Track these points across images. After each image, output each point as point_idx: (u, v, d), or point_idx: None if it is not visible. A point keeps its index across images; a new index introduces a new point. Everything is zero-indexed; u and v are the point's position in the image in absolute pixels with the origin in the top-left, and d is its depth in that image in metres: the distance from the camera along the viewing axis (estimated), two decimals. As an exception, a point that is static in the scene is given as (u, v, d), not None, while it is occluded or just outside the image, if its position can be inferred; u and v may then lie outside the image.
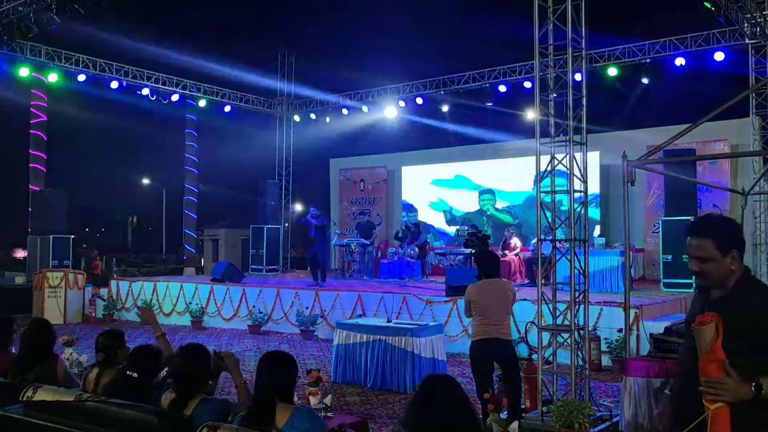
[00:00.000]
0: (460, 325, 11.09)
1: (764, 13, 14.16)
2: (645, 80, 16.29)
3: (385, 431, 6.70)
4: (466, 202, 20.08)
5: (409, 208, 21.11)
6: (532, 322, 7.74)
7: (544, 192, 7.63)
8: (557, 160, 7.65)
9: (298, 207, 29.07)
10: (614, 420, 6.78)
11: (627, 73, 16.44)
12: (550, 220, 7.78)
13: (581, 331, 7.22)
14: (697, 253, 2.81)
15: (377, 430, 6.70)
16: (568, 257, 7.48)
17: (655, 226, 16.11)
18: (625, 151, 6.60)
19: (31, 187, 21.30)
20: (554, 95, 7.81)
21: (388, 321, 9.50)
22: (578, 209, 7.54)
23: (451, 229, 20.12)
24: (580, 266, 7.52)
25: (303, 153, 23.17)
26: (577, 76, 8.34)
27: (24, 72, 16.41)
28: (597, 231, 16.59)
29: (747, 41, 14.50)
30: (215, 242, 28.01)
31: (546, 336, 7.33)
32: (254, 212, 20.99)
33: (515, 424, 4.80)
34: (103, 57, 17.73)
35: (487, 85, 18.43)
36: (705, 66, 15.46)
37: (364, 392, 8.39)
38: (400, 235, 17.30)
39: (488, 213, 19.59)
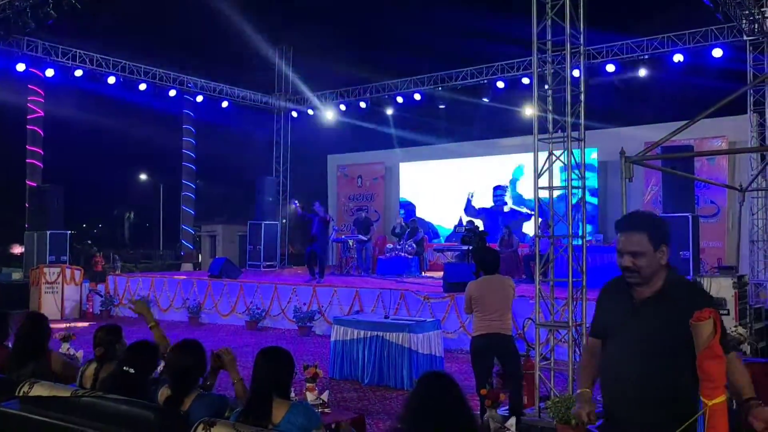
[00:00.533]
0: (458, 321, 11.09)
1: (762, 9, 14.13)
2: (643, 76, 16.27)
3: (382, 427, 6.70)
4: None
5: (407, 205, 21.09)
6: (530, 319, 7.73)
7: (542, 188, 7.62)
8: (555, 156, 7.63)
9: (295, 202, 29.04)
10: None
11: (625, 69, 16.42)
12: (548, 217, 7.78)
13: (579, 327, 7.22)
14: (631, 247, 2.77)
15: (374, 426, 6.70)
16: (566, 254, 7.47)
17: (652, 222, 16.12)
18: (623, 147, 6.58)
19: (28, 182, 21.27)
20: (551, 92, 7.80)
21: (386, 317, 9.50)
22: (576, 205, 7.53)
23: (449, 226, 20.12)
24: (578, 263, 7.51)
25: (301, 149, 23.15)
26: (575, 72, 8.32)
27: (20, 67, 16.34)
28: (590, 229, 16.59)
29: (745, 38, 14.48)
30: (213, 238, 28.03)
31: (543, 332, 7.33)
32: (252, 208, 20.97)
33: (512, 420, 4.79)
34: (100, 52, 17.67)
35: (485, 81, 18.41)
36: (703, 62, 15.46)
37: (361, 388, 8.39)
38: (397, 231, 17.29)
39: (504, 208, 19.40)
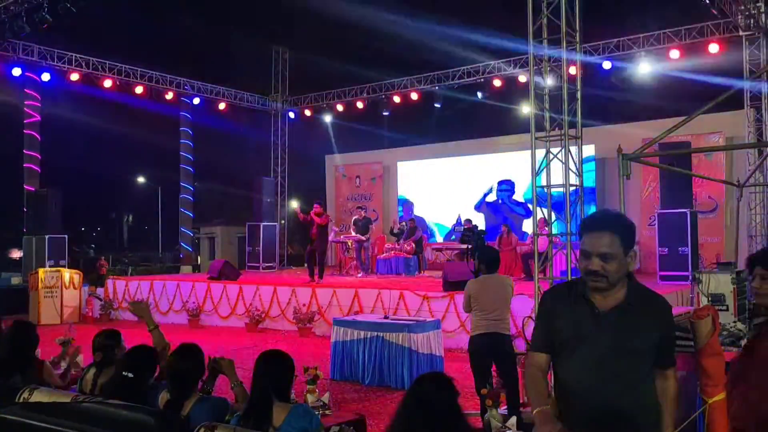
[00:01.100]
0: (458, 320, 11.08)
1: (758, 5, 14.17)
2: (639, 72, 16.28)
3: (383, 428, 6.70)
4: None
5: (405, 202, 21.10)
6: (529, 317, 7.73)
7: (540, 187, 7.63)
8: (552, 154, 7.65)
9: (294, 203, 29.06)
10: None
11: (622, 65, 16.44)
12: (546, 214, 7.79)
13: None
14: (602, 248, 2.49)
15: (375, 426, 6.70)
16: (565, 252, 7.48)
17: (651, 218, 16.15)
18: (620, 144, 6.60)
19: (25, 187, 21.23)
20: (548, 90, 7.81)
21: (386, 317, 9.50)
22: (574, 203, 7.55)
23: (448, 224, 20.14)
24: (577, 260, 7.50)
25: (298, 150, 23.15)
26: (572, 70, 8.34)
27: (16, 72, 16.33)
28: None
29: (741, 33, 14.51)
30: (211, 240, 28.03)
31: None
32: (250, 209, 20.96)
33: (513, 419, 4.80)
34: (95, 55, 17.66)
35: (482, 79, 18.42)
36: (699, 58, 15.47)
37: (362, 389, 8.38)
38: (395, 231, 17.29)
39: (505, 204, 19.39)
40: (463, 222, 16.78)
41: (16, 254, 31.10)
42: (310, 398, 5.27)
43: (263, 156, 22.94)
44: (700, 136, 15.65)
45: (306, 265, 15.61)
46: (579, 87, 7.60)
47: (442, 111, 20.61)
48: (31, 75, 17.28)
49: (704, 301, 7.83)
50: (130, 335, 5.08)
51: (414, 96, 19.86)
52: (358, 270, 16.90)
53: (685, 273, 12.91)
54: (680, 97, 16.36)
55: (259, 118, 22.96)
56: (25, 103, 20.88)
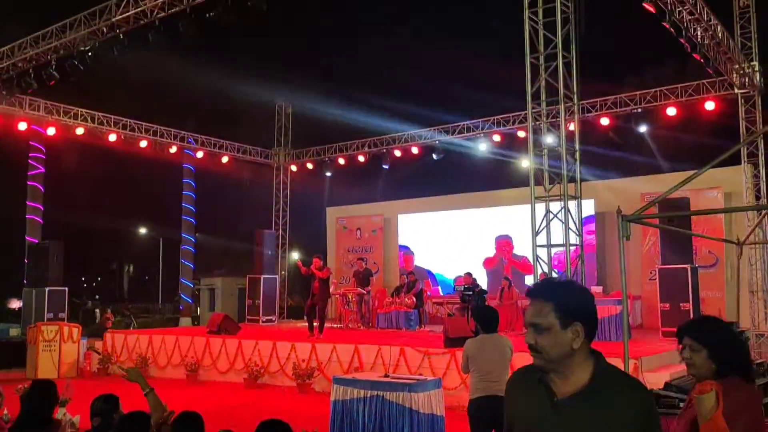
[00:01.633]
0: (459, 377, 10.97)
1: (752, 63, 14.45)
2: (637, 129, 16.51)
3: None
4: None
5: (406, 250, 21.09)
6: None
7: (540, 246, 7.65)
8: (552, 214, 7.70)
9: (295, 255, 29.06)
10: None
11: (620, 122, 16.68)
12: (547, 272, 7.79)
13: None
14: (532, 318, 2.25)
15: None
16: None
17: (651, 272, 16.11)
18: (619, 206, 6.64)
19: (27, 238, 21.29)
20: (547, 149, 7.92)
21: (386, 375, 9.40)
22: (576, 262, 7.56)
23: (449, 275, 20.08)
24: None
25: (300, 202, 23.30)
26: (571, 126, 8.43)
27: (22, 126, 16.56)
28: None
29: (736, 91, 14.75)
30: (212, 291, 27.89)
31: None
32: (251, 261, 20.97)
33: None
34: (101, 110, 17.93)
35: (482, 134, 18.66)
36: (696, 115, 15.70)
37: (362, 450, 8.25)
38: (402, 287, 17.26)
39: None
40: (464, 275, 16.76)
41: (16, 304, 30.97)
42: (309, 464, 5.20)
43: (265, 208, 23.07)
44: (698, 191, 15.74)
45: (306, 318, 15.54)
46: (578, 147, 7.70)
47: (443, 164, 20.81)
48: (37, 127, 17.52)
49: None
50: (129, 393, 5.05)
51: (415, 150, 20.08)
52: (359, 323, 16.82)
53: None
54: (678, 153, 16.58)
55: (261, 171, 23.18)
56: (30, 155, 21.12)
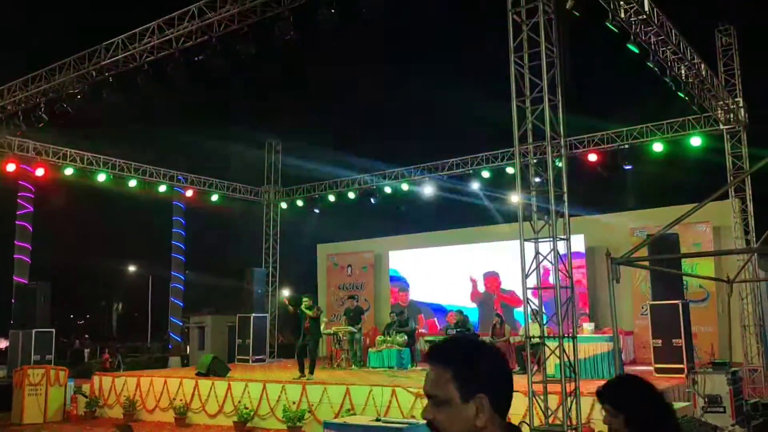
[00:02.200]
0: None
1: (736, 100, 14.64)
2: (625, 165, 16.63)
3: None
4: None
5: (399, 280, 21.01)
6: (524, 422, 7.59)
7: (530, 288, 7.64)
8: (542, 255, 7.70)
9: (286, 292, 28.89)
10: None
11: (607, 158, 16.81)
12: (537, 310, 7.76)
13: (574, 430, 7.10)
14: (430, 388, 1.82)
15: None
16: (558, 352, 7.42)
17: (643, 308, 16.10)
18: (608, 249, 6.65)
19: (15, 278, 21.10)
20: (535, 189, 7.94)
21: (377, 419, 9.29)
22: (566, 304, 7.54)
23: (441, 310, 20.00)
24: (570, 361, 7.45)
25: (290, 239, 23.25)
26: (558, 162, 8.45)
27: (11, 167, 16.50)
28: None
29: (722, 127, 14.91)
30: (201, 329, 27.60)
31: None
32: (241, 299, 20.80)
33: None
34: (90, 150, 17.92)
35: (471, 171, 18.76)
36: (682, 151, 15.85)
37: (353, 498, 8.11)
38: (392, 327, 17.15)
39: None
40: (455, 313, 16.71)
41: (2, 344, 30.56)
42: None
43: (255, 246, 22.99)
44: (687, 225, 15.77)
45: (297, 358, 15.36)
46: (565, 189, 7.73)
47: (433, 200, 20.86)
48: (26, 167, 17.46)
49: (701, 402, 7.74)
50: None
51: (405, 186, 20.15)
52: (350, 363, 16.65)
53: (680, 365, 12.78)
54: (665, 188, 16.68)
55: (251, 208, 23.15)
56: (19, 194, 21.03)
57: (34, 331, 16.97)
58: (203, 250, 28.64)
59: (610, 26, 10.53)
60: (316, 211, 22.07)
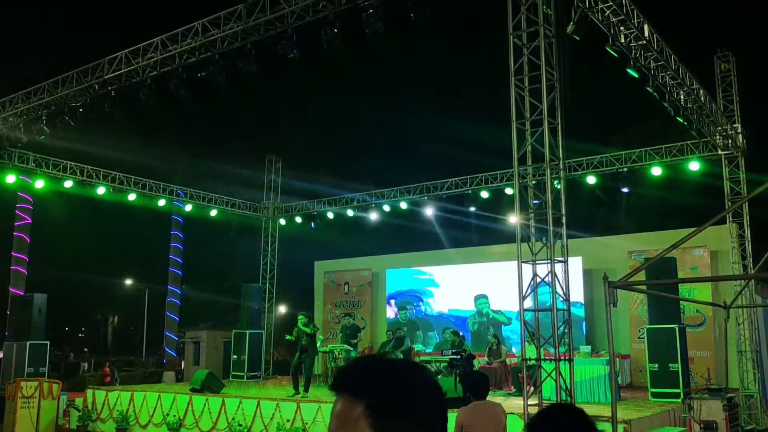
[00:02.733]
0: (446, 440, 10.79)
1: (734, 126, 14.71)
2: (623, 188, 16.68)
3: None
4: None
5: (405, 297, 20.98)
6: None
7: (528, 310, 7.64)
8: (540, 277, 7.71)
9: (282, 309, 28.82)
10: None
11: (606, 181, 16.86)
12: (534, 337, 7.75)
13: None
14: (334, 427, 1.40)
15: None
16: (554, 375, 7.39)
17: (640, 331, 16.07)
18: (605, 273, 6.66)
19: (11, 290, 21.04)
20: (534, 213, 7.96)
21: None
22: (562, 328, 7.54)
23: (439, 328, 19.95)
24: (566, 384, 7.43)
25: (288, 256, 23.20)
26: (557, 185, 8.47)
27: (10, 179, 16.51)
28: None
29: (720, 152, 14.97)
30: (197, 344, 27.52)
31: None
32: (237, 314, 20.74)
33: None
34: (90, 163, 17.95)
35: (470, 191, 18.81)
36: (680, 175, 15.90)
37: None
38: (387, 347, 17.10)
39: (488, 315, 19.41)
40: (451, 334, 16.69)
41: (-4, 356, 30.38)
42: None
43: (253, 261, 22.95)
44: (684, 250, 15.83)
45: (292, 375, 15.28)
46: (563, 212, 7.75)
47: (432, 220, 20.90)
48: (26, 178, 17.48)
49: (696, 429, 7.71)
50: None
51: (403, 205, 20.18)
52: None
53: (676, 390, 12.75)
54: (663, 211, 16.72)
55: (250, 225, 23.14)
56: (17, 205, 21.02)
57: (28, 343, 16.87)
58: (201, 264, 28.59)
59: (610, 51, 10.62)
60: (313, 225, 22.07)
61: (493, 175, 18.45)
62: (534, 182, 7.96)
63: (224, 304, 28.10)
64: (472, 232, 21.21)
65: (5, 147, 15.04)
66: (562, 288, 7.54)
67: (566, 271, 7.45)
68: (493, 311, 19.29)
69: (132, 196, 18.83)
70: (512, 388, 14.21)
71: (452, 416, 10.18)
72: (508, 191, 17.72)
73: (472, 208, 19.21)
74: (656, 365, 13.42)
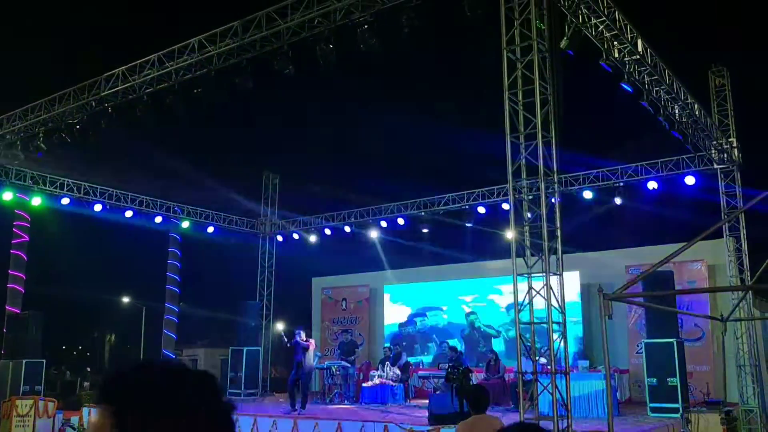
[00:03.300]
0: (443, 456, 10.71)
1: (729, 140, 14.77)
2: (620, 202, 16.70)
3: None
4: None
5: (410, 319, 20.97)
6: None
7: (524, 323, 7.62)
8: (535, 291, 7.70)
9: (280, 326, 28.72)
10: None
11: (602, 195, 16.88)
12: (530, 351, 7.72)
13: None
14: None
15: None
16: (551, 389, 7.36)
17: (638, 346, 16.01)
18: (600, 285, 6.65)
19: (7, 308, 20.98)
20: (529, 226, 7.97)
21: (368, 455, 9.17)
22: (558, 342, 7.51)
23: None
24: (563, 398, 7.40)
25: (285, 272, 23.15)
26: (552, 198, 8.48)
27: (8, 196, 16.51)
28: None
29: (716, 166, 15.02)
30: (194, 362, 27.44)
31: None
32: (235, 331, 20.66)
33: None
34: (86, 180, 17.95)
35: (467, 206, 18.83)
36: (677, 189, 15.92)
37: None
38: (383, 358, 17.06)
39: (480, 329, 19.48)
40: (448, 349, 16.64)
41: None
42: None
43: (250, 278, 22.88)
44: (682, 264, 15.82)
45: (288, 392, 15.20)
46: (558, 225, 7.76)
47: (429, 235, 20.89)
48: (23, 196, 17.47)
49: (694, 442, 7.66)
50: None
51: (401, 221, 20.19)
52: (343, 398, 16.49)
53: (675, 405, 12.67)
54: (660, 226, 16.74)
55: (247, 240, 23.10)
56: (14, 223, 21.00)
57: (24, 361, 16.79)
58: (199, 282, 28.52)
59: (604, 65, 10.68)
60: (312, 240, 22.06)
61: (490, 191, 18.48)
62: (530, 197, 7.98)
63: (222, 321, 27.97)
64: (468, 248, 21.17)
65: (2, 164, 15.06)
66: (557, 300, 7.53)
67: (561, 284, 7.45)
68: (484, 325, 19.37)
69: (128, 213, 18.82)
70: (510, 404, 14.12)
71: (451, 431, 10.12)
72: (505, 206, 17.72)
73: (469, 224, 19.24)
74: (654, 380, 13.36)
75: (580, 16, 9.83)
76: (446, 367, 14.48)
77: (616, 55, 10.76)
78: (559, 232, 7.63)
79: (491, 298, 19.17)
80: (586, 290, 17.46)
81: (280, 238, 22.67)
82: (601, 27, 10.25)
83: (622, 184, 16.52)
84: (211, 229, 21.29)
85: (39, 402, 15.44)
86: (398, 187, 20.96)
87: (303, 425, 12.71)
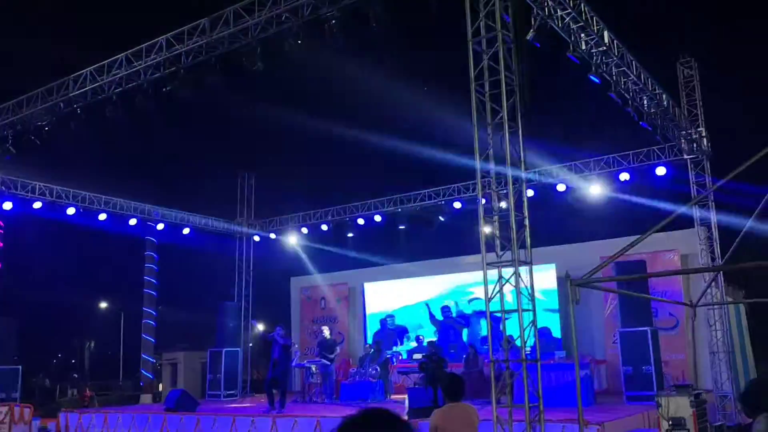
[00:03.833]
0: (422, 449, 10.74)
1: (698, 129, 14.95)
2: (593, 194, 16.83)
3: None
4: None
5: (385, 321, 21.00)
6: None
7: (494, 312, 7.67)
8: (505, 279, 7.75)
9: (260, 327, 28.63)
10: None
11: (576, 187, 17.00)
12: (501, 339, 7.77)
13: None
14: None
15: None
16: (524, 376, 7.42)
17: (614, 336, 16.17)
18: (567, 271, 6.71)
19: (-19, 315, 20.60)
20: (499, 216, 8.02)
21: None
22: (528, 328, 7.57)
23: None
24: (535, 386, 7.45)
25: (263, 273, 23.06)
26: (529, 192, 8.53)
27: (-22, 201, 16.30)
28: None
29: (685, 156, 15.19)
30: (174, 366, 27.17)
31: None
32: (214, 333, 20.54)
33: None
34: (59, 184, 17.75)
35: (443, 202, 18.90)
36: (648, 180, 16.07)
37: None
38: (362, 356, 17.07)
39: (454, 321, 19.66)
40: (426, 344, 16.70)
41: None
42: None
43: (228, 279, 22.76)
44: (656, 254, 16.03)
45: (266, 392, 15.14)
46: (526, 214, 7.81)
47: (406, 232, 20.91)
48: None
49: (665, 426, 7.75)
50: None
51: (378, 218, 20.20)
52: (323, 396, 16.46)
53: (651, 393, 12.80)
54: (634, 217, 16.89)
55: (224, 242, 22.97)
56: (-13, 230, 20.67)
57: (-1, 368, 16.60)
58: (176, 285, 28.27)
59: (572, 57, 10.77)
60: (292, 242, 22.00)
61: (466, 185, 18.55)
62: (504, 191, 8.02)
63: (201, 324, 27.76)
64: (445, 243, 21.22)
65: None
66: (527, 289, 7.58)
67: (530, 272, 7.50)
68: (462, 318, 19.56)
69: (102, 216, 18.64)
70: (488, 396, 14.17)
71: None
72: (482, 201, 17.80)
73: (443, 219, 19.32)
74: (630, 368, 13.50)
75: (546, 9, 9.90)
76: (420, 357, 14.55)
77: (583, 47, 10.85)
78: (527, 221, 7.69)
79: (470, 290, 19.28)
80: (563, 282, 17.60)
81: (257, 238, 22.58)
82: (567, 19, 10.33)
83: (595, 175, 16.67)
84: (186, 231, 21.15)
85: (14, 408, 15.24)
86: (374, 184, 20.98)
87: (282, 424, 12.67)
